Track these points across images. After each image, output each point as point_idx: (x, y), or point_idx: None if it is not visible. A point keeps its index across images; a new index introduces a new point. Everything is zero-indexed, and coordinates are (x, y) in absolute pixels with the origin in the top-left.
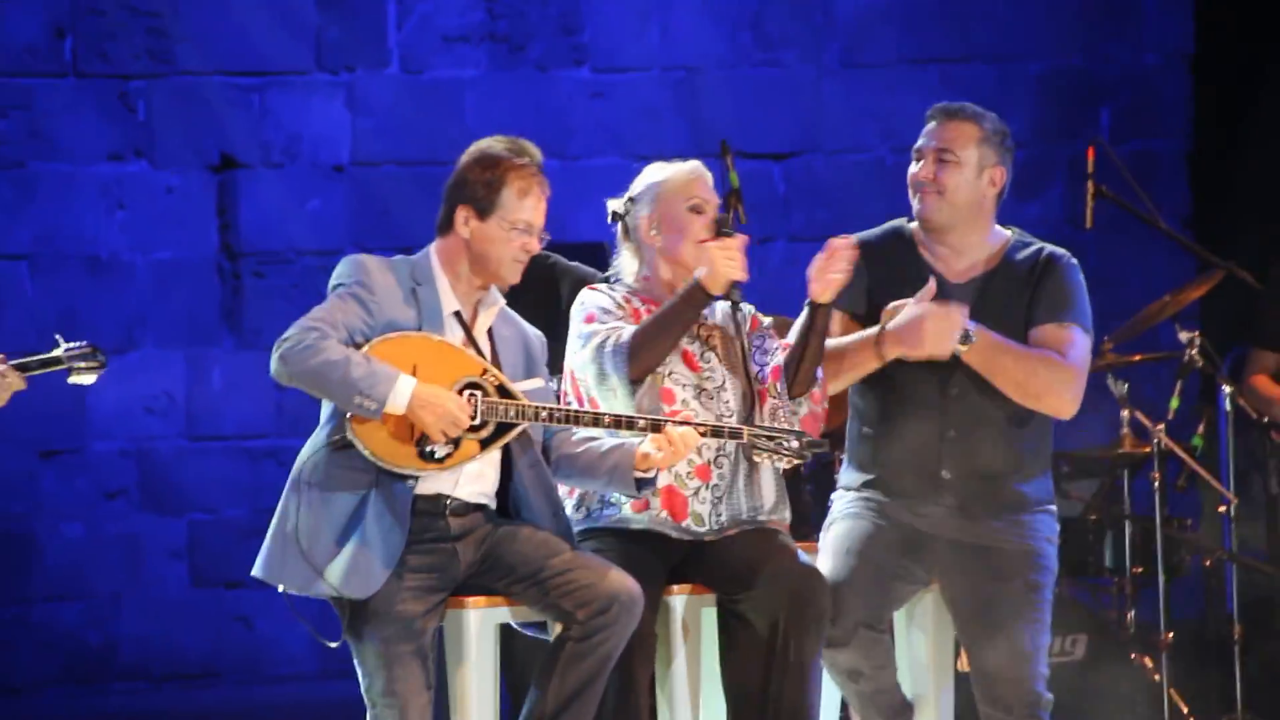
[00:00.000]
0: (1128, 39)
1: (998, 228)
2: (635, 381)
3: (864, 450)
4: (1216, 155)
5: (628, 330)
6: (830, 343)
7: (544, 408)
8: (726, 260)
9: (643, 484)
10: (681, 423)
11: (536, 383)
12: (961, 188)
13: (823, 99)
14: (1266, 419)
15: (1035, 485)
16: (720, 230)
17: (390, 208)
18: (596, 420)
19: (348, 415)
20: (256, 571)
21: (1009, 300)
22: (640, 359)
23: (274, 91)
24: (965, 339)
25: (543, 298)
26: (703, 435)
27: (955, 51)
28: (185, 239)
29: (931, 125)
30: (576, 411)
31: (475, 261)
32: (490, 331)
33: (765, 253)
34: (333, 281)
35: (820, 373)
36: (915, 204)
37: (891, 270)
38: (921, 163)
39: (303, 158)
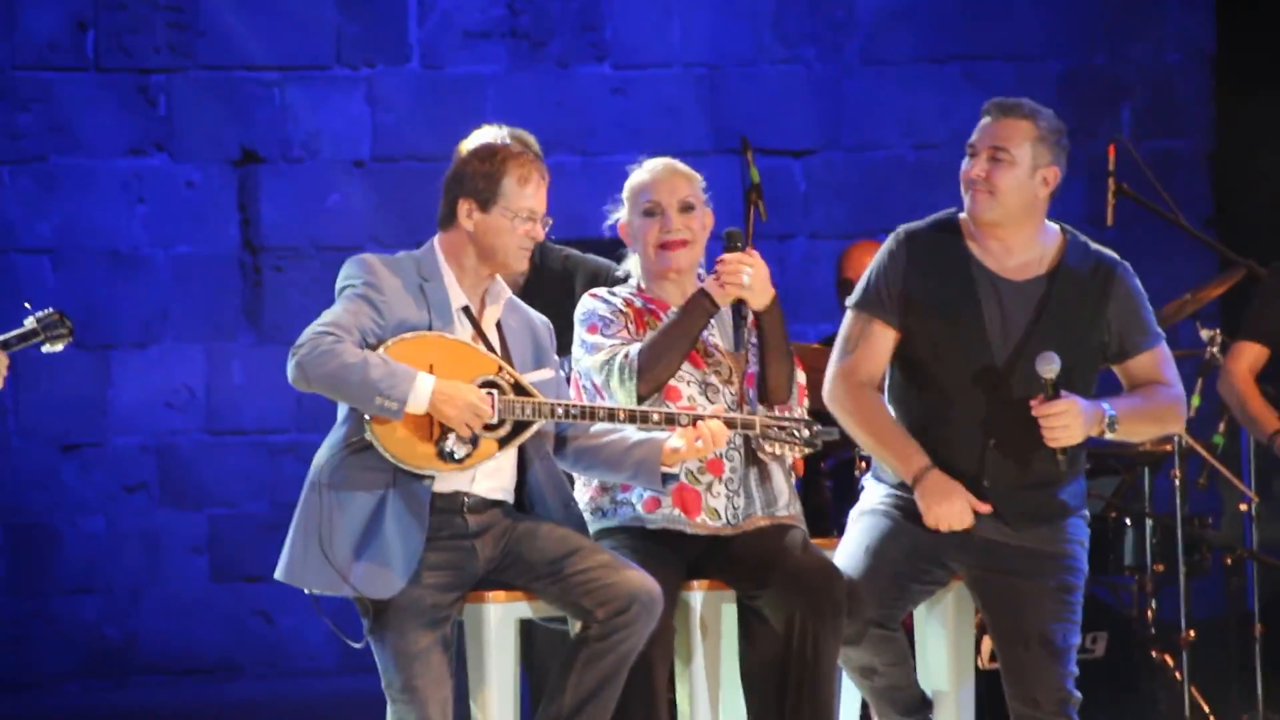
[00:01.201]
0: (1149, 37)
1: (1048, 223)
2: (643, 398)
3: None
4: (1237, 153)
5: (635, 348)
6: (879, 424)
7: (560, 404)
8: (732, 279)
9: (667, 478)
10: (699, 416)
11: (546, 373)
12: (1014, 187)
13: (843, 96)
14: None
15: (1071, 491)
16: (733, 244)
17: (410, 203)
18: (612, 415)
19: (367, 416)
20: (279, 574)
21: (1073, 308)
22: (650, 375)
23: (294, 86)
24: (1112, 425)
25: (559, 291)
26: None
27: (976, 49)
28: (206, 233)
29: (986, 121)
30: (592, 407)
31: (482, 253)
32: (499, 324)
33: (785, 249)
34: (340, 283)
35: (800, 377)
36: (966, 200)
37: (936, 262)
38: (974, 159)
39: (323, 153)
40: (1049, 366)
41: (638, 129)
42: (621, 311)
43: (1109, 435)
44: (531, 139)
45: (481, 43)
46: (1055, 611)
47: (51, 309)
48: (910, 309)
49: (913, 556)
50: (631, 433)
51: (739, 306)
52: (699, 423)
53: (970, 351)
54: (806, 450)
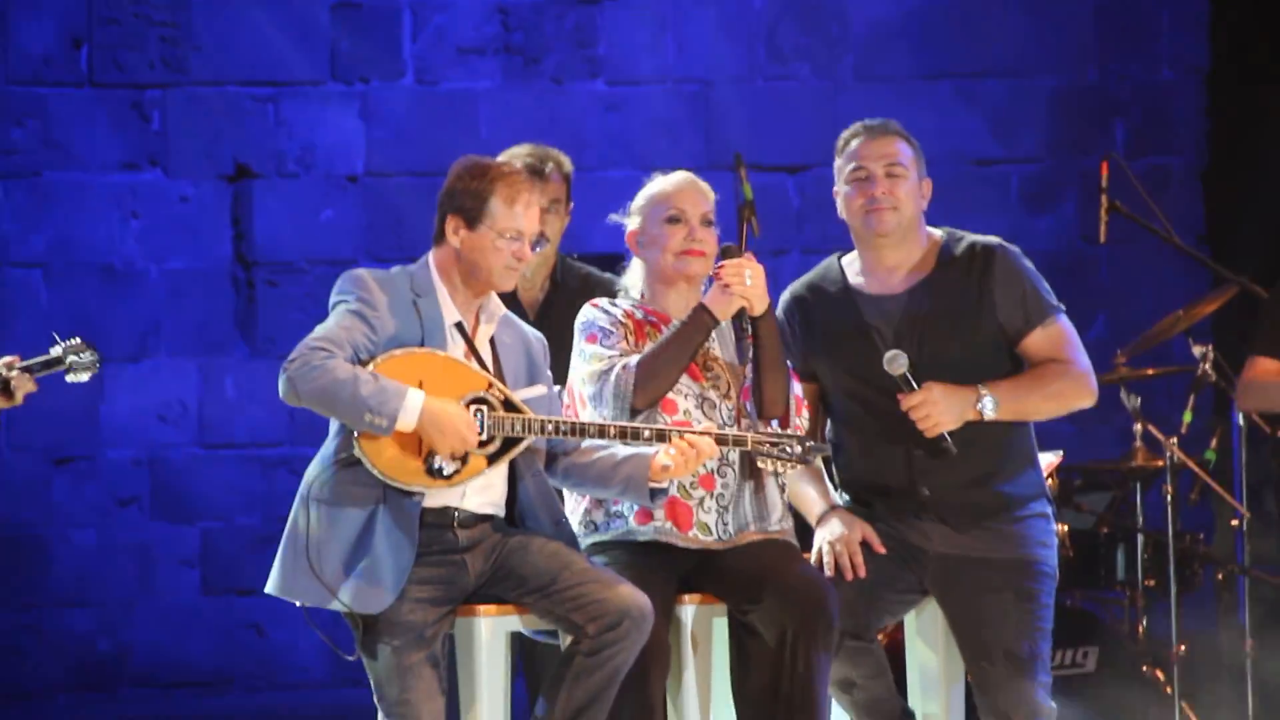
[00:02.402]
0: (1142, 54)
1: (929, 229)
2: (638, 411)
3: (843, 476)
4: (1230, 170)
5: (633, 359)
6: (797, 486)
7: (550, 421)
8: (736, 280)
9: (656, 494)
10: (688, 431)
11: (539, 390)
12: (910, 200)
13: (836, 112)
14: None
15: (1021, 483)
16: (728, 253)
17: (403, 218)
18: (603, 432)
19: (355, 433)
20: (270, 588)
21: (956, 300)
22: (647, 389)
23: (288, 102)
24: (990, 406)
25: (577, 310)
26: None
27: (970, 66)
28: (199, 248)
29: (864, 142)
30: (582, 424)
31: (467, 271)
32: (492, 340)
33: (778, 265)
34: (333, 298)
35: (796, 389)
36: (871, 222)
37: (823, 311)
38: (872, 181)
39: (317, 168)
40: (895, 363)
41: (631, 145)
42: (621, 322)
43: (990, 416)
44: (563, 161)
45: (475, 59)
46: (1019, 622)
47: (79, 339)
48: (810, 358)
49: (881, 563)
50: (621, 449)
51: (738, 321)
52: (688, 435)
53: (869, 374)
54: (799, 466)
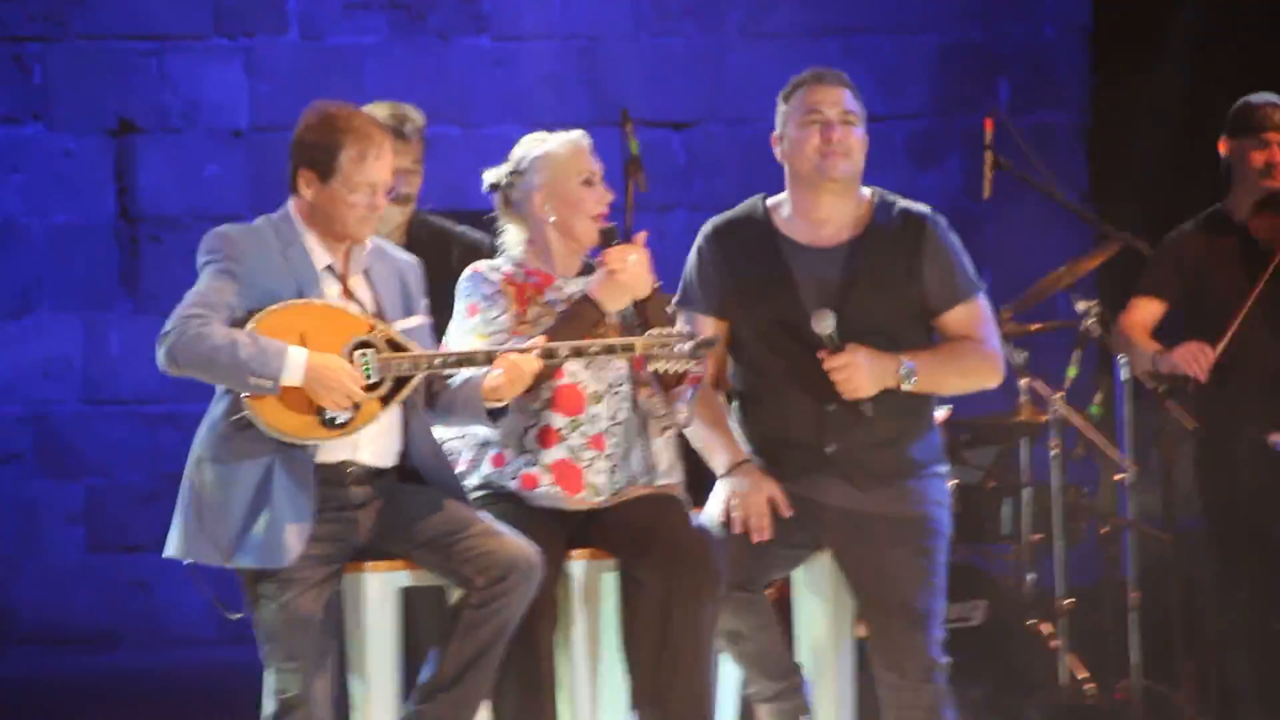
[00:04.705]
0: (1026, 12)
1: (860, 187)
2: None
3: (747, 426)
4: (1113, 127)
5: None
6: (708, 419)
7: (438, 355)
8: (623, 270)
9: (495, 414)
10: (578, 347)
11: (416, 320)
12: (860, 150)
13: (723, 68)
14: (1162, 387)
15: (921, 446)
16: (610, 239)
17: (288, 174)
18: (490, 358)
19: (244, 395)
20: (170, 552)
21: (884, 267)
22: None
23: (172, 56)
24: (909, 377)
25: (434, 266)
26: (595, 354)
27: (855, 23)
28: (82, 203)
29: (821, 89)
30: (470, 353)
31: (324, 221)
32: (368, 273)
33: (665, 222)
34: (200, 260)
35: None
36: (825, 167)
37: (744, 249)
38: (826, 126)
39: (201, 123)
40: (823, 322)
41: (517, 101)
42: (501, 292)
43: (907, 387)
44: (419, 118)
45: (361, 13)
46: (916, 578)
47: None
48: (728, 298)
49: (773, 519)
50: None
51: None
52: (510, 358)
53: (791, 326)
54: (691, 363)
